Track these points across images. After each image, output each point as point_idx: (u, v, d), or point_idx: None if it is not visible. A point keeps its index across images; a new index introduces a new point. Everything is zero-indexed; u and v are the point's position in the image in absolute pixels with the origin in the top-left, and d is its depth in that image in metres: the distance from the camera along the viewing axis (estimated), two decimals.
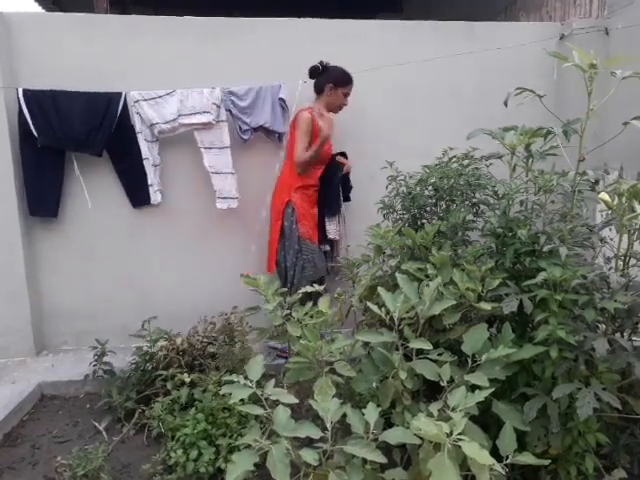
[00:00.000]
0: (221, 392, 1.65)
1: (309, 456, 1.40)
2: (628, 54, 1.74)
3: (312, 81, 3.02)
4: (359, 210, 3.16)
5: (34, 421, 2.54)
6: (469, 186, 2.13)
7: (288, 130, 3.09)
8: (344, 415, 1.50)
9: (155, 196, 3.11)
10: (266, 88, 3.08)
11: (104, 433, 2.38)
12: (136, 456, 2.21)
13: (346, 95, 3.00)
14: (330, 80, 2.94)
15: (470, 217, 2.17)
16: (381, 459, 1.40)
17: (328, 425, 1.45)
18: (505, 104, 1.88)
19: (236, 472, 1.38)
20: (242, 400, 1.57)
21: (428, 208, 2.29)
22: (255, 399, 1.59)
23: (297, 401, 1.55)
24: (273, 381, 1.62)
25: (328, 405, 1.48)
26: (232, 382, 1.59)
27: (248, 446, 1.45)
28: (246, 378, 1.59)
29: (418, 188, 2.27)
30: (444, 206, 2.26)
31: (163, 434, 2.18)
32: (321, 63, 2.96)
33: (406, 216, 2.34)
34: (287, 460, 1.38)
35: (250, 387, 1.57)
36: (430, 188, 2.26)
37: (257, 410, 1.54)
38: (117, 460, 2.18)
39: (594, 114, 1.75)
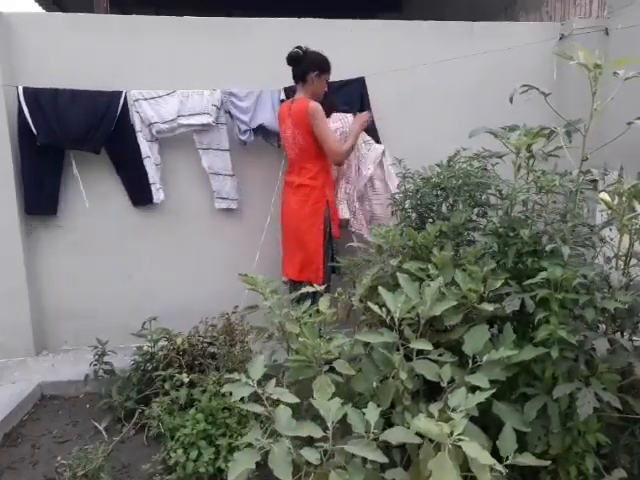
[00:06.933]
0: (222, 390, 1.65)
1: (311, 455, 1.39)
2: (628, 54, 1.75)
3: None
4: None
5: (34, 421, 2.54)
6: (476, 186, 2.12)
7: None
8: (344, 415, 1.49)
9: (158, 195, 3.10)
10: (266, 92, 3.07)
11: (104, 433, 2.38)
12: (136, 456, 2.21)
13: (327, 82, 2.84)
14: (314, 67, 2.75)
15: (474, 217, 2.16)
16: (382, 459, 1.39)
17: (329, 425, 1.44)
18: (510, 100, 1.86)
19: (238, 470, 1.37)
20: (242, 399, 1.57)
21: (434, 207, 2.28)
22: (255, 398, 1.59)
23: (298, 400, 1.55)
24: (274, 380, 1.62)
25: (329, 405, 1.48)
26: (233, 380, 1.59)
27: (249, 445, 1.44)
28: (247, 377, 1.59)
29: (426, 187, 2.26)
30: (450, 206, 2.25)
31: (163, 434, 2.18)
32: (300, 48, 2.73)
33: (413, 215, 2.34)
34: (289, 458, 1.37)
35: (251, 386, 1.56)
36: (437, 188, 2.25)
37: (258, 408, 1.54)
38: (117, 460, 2.18)
39: (597, 114, 1.75)
